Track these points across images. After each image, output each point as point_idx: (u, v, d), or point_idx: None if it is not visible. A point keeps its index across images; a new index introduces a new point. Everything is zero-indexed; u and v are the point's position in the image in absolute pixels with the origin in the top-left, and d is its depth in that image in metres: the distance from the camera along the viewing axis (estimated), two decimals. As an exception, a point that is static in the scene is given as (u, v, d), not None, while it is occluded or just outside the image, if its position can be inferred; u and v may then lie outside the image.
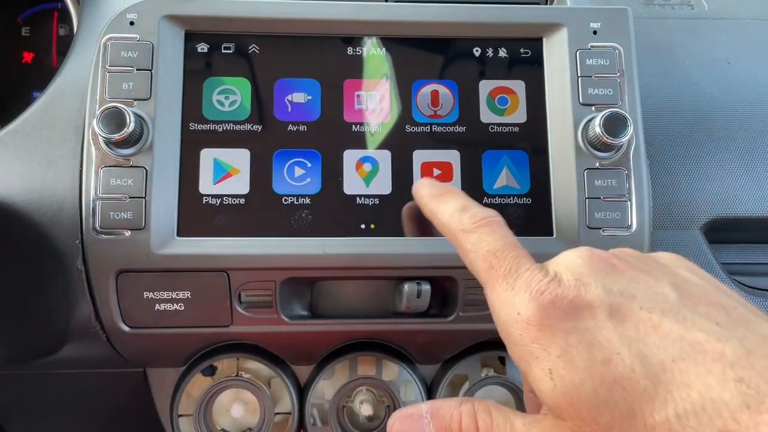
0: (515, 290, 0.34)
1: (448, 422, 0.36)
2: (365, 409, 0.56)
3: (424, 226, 0.49)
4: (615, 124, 0.47)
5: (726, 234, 0.60)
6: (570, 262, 0.35)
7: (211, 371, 0.57)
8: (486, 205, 0.50)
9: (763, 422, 0.27)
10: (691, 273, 0.36)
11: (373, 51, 0.52)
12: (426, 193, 0.43)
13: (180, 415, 0.56)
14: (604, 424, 0.30)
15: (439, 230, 0.41)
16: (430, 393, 0.57)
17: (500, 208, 0.50)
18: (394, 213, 0.49)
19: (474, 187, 0.50)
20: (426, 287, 0.49)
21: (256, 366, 0.56)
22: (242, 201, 0.49)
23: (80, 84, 0.49)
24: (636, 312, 0.32)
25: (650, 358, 0.30)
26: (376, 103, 0.51)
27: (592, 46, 0.51)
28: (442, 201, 0.42)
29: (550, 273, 0.34)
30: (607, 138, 0.47)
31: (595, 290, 0.33)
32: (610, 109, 0.48)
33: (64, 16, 0.69)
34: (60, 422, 0.63)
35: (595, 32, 0.52)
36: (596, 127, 0.48)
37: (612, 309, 0.32)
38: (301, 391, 0.57)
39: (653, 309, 0.32)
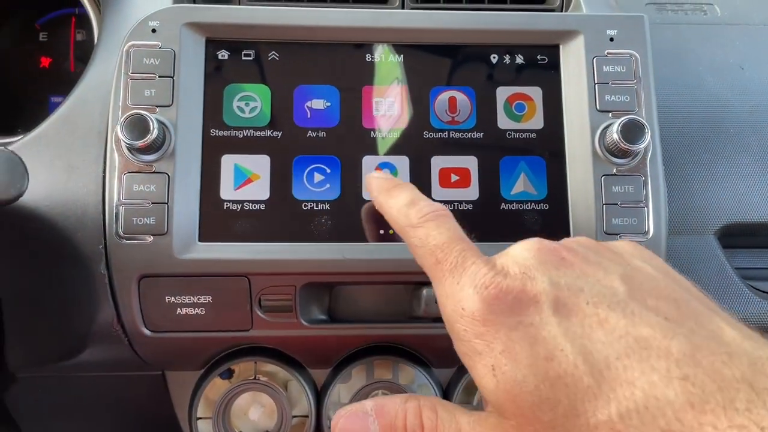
0: (461, 285, 0.33)
1: (392, 420, 0.35)
2: (381, 412, 0.57)
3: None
4: (633, 131, 0.48)
5: (740, 239, 0.60)
6: (517, 254, 0.34)
7: (228, 374, 0.57)
8: (503, 211, 0.50)
9: (707, 422, 0.26)
10: (645, 263, 0.35)
11: (390, 58, 0.52)
12: (375, 186, 0.43)
13: (198, 418, 0.56)
14: (546, 422, 0.29)
15: (391, 225, 0.41)
16: (446, 396, 0.57)
17: (518, 214, 0.51)
18: None
19: (491, 193, 0.51)
20: (444, 292, 0.50)
21: (273, 369, 0.57)
22: (263, 207, 0.49)
23: (102, 90, 0.50)
24: (582, 307, 0.31)
25: (594, 355, 0.29)
26: (394, 109, 0.52)
27: (608, 53, 0.52)
28: (390, 195, 0.41)
29: (497, 266, 0.33)
30: (624, 145, 0.48)
31: (541, 284, 0.32)
32: (628, 116, 0.48)
33: (82, 22, 0.69)
34: (79, 424, 0.64)
35: (611, 39, 0.52)
36: (614, 134, 0.48)
37: (558, 303, 0.31)
38: (318, 395, 0.57)
39: (600, 303, 0.31)
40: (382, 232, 0.49)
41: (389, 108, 0.52)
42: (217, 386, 0.57)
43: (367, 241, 0.49)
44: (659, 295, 0.32)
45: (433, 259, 0.36)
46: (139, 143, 0.46)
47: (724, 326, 0.31)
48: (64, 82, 0.67)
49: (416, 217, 0.38)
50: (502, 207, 0.51)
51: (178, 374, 0.57)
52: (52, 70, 0.70)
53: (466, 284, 0.33)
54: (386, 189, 0.42)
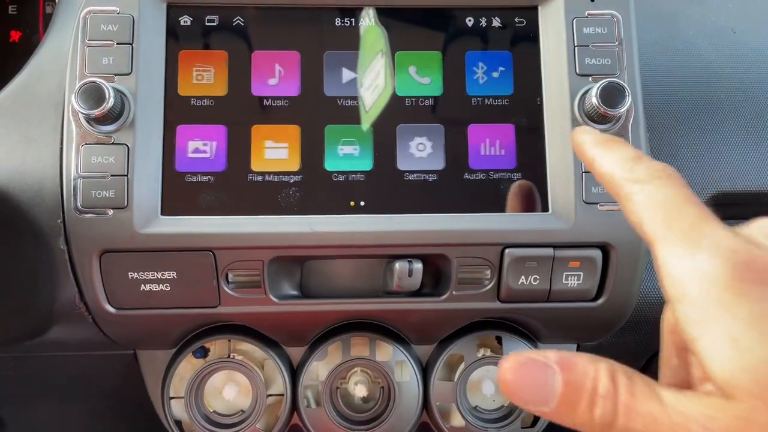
0: (701, 247, 0.30)
1: (581, 378, 0.31)
2: (360, 391, 0.55)
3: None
4: (612, 95, 0.46)
5: (731, 209, 0.58)
6: (765, 228, 0.31)
7: (203, 353, 0.56)
8: (475, 181, 0.48)
9: None
10: None
11: (360, 22, 0.50)
12: (588, 139, 0.38)
13: (171, 398, 0.55)
14: None
15: (599, 180, 0.37)
16: (425, 373, 0.56)
17: (492, 184, 0.49)
18: (381, 189, 0.48)
19: (459, 162, 0.49)
20: (418, 265, 0.48)
21: (248, 347, 0.55)
22: (219, 179, 0.47)
23: (60, 60, 0.48)
24: None
25: None
26: (360, 76, 0.49)
27: (589, 14, 0.49)
28: (608, 148, 0.37)
29: (745, 234, 0.30)
30: (604, 109, 0.46)
31: None
32: (608, 79, 0.46)
33: (51, -6, 0.67)
34: (51, 405, 0.63)
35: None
36: (593, 98, 0.46)
37: None
38: (294, 373, 0.56)
39: None
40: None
41: (354, 75, 0.49)
42: (190, 365, 0.55)
43: (336, 213, 0.47)
44: None
45: (662, 217, 0.32)
46: (95, 113, 0.44)
47: None
48: (32, 55, 0.65)
49: (645, 172, 0.34)
50: (468, 177, 0.48)
51: (150, 353, 0.56)
52: (22, 43, 0.68)
53: (708, 247, 0.30)
54: (602, 142, 0.38)
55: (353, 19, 0.50)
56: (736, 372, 0.27)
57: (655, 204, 0.33)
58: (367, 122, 0.49)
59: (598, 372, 0.30)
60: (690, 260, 0.30)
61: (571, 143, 0.42)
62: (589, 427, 0.30)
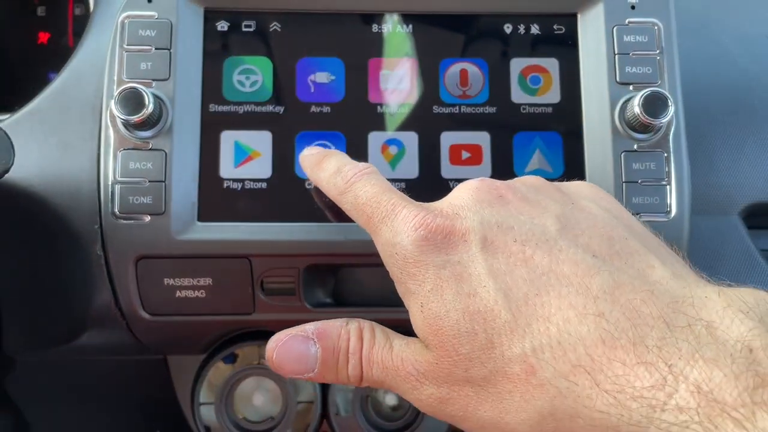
0: (394, 230, 0.34)
1: (335, 342, 0.35)
2: (390, 399, 0.55)
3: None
4: (655, 104, 0.45)
5: (766, 219, 0.57)
6: (455, 195, 0.35)
7: (232, 359, 0.55)
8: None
9: (616, 358, 0.27)
10: (594, 203, 0.35)
11: (398, 28, 0.50)
12: (306, 164, 0.42)
13: (201, 404, 0.55)
14: (463, 354, 0.31)
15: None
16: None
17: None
18: (421, 197, 0.47)
19: (505, 171, 0.48)
20: (454, 274, 0.47)
21: (278, 354, 0.55)
22: (264, 185, 0.47)
23: (97, 64, 0.48)
24: (509, 244, 0.32)
25: (515, 291, 0.30)
26: (402, 83, 0.49)
27: (630, 22, 0.49)
28: (320, 169, 0.40)
29: (430, 209, 0.34)
30: (646, 118, 0.45)
31: (471, 222, 0.33)
32: (650, 89, 0.45)
33: (80, -4, 0.67)
34: (81, 409, 0.63)
35: (633, 7, 0.49)
36: (635, 107, 0.45)
37: (485, 241, 0.32)
38: (324, 380, 0.56)
39: (528, 241, 0.32)
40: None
41: (397, 81, 0.49)
42: (220, 371, 0.55)
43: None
44: (593, 233, 0.32)
45: (364, 216, 0.36)
46: (134, 118, 0.43)
47: (656, 265, 0.31)
48: (63, 57, 0.64)
49: (342, 183, 0.38)
50: None
51: (180, 359, 0.56)
52: (51, 45, 0.68)
53: (399, 228, 0.34)
54: (316, 164, 0.41)
55: (389, 25, 0.49)
56: (425, 330, 0.32)
57: (357, 206, 0.37)
58: (392, 126, 0.48)
59: (348, 333, 0.35)
60: (389, 244, 0.34)
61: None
62: (347, 381, 0.35)
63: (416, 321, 0.33)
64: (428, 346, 0.32)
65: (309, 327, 0.36)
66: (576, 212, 0.34)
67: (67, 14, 0.68)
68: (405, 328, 0.52)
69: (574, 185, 0.38)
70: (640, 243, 0.33)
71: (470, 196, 0.34)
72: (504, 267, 0.31)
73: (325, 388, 0.55)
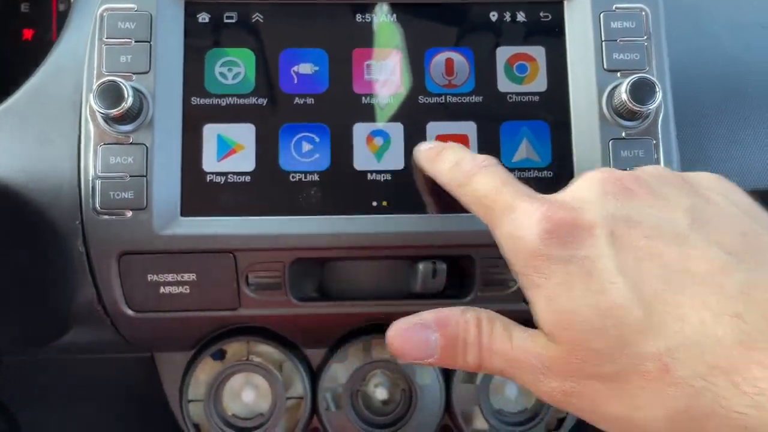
0: (515, 224, 0.34)
1: (455, 331, 0.36)
2: (380, 393, 0.55)
3: (443, 197, 0.47)
4: (642, 90, 0.44)
5: (760, 207, 0.57)
6: (578, 187, 0.35)
7: (220, 355, 0.55)
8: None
9: (755, 360, 0.26)
10: (720, 195, 0.34)
11: (383, 18, 0.49)
12: (423, 158, 0.43)
13: (190, 401, 0.54)
14: (594, 351, 0.30)
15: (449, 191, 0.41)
16: (447, 376, 0.55)
17: (526, 182, 0.47)
18: (408, 189, 0.47)
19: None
20: (442, 266, 0.47)
21: (266, 349, 0.55)
22: (248, 178, 0.46)
23: (77, 59, 0.47)
24: (638, 240, 0.31)
25: (646, 289, 0.30)
26: (387, 73, 0.48)
27: (617, 8, 0.48)
28: (438, 162, 0.41)
29: (552, 201, 0.34)
30: (634, 105, 0.44)
31: (598, 216, 0.32)
32: (637, 75, 0.45)
33: (64, -9, 0.66)
34: (68, 408, 0.62)
35: None
36: (622, 94, 0.45)
37: (614, 236, 0.31)
38: (314, 375, 0.55)
39: (658, 236, 0.31)
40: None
41: (381, 72, 0.48)
42: (208, 367, 0.55)
43: (359, 214, 0.46)
44: (726, 229, 0.32)
45: (484, 209, 0.36)
46: (114, 112, 0.43)
47: None
48: (48, 54, 0.64)
49: (462, 175, 0.38)
50: None
51: (167, 355, 0.56)
52: (35, 42, 0.67)
53: (521, 221, 0.33)
54: (433, 157, 0.41)
55: (373, 15, 0.49)
56: (553, 324, 0.32)
57: (476, 198, 0.37)
58: (379, 118, 0.48)
59: (467, 323, 0.35)
60: (511, 237, 0.34)
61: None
62: (466, 368, 0.36)
63: (542, 314, 0.33)
64: (555, 340, 0.32)
65: (428, 316, 0.37)
66: (706, 206, 0.33)
67: (51, 10, 0.67)
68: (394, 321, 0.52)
69: (700, 176, 0.36)
70: None
71: (595, 187, 0.34)
72: (633, 263, 0.30)
73: (314, 383, 0.54)
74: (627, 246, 0.31)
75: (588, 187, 0.34)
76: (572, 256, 0.31)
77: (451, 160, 0.40)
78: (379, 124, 0.48)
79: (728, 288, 0.28)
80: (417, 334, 0.36)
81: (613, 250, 0.31)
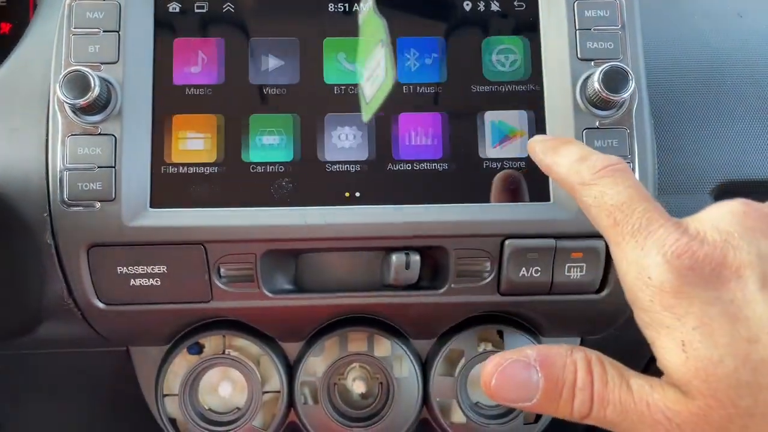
0: (645, 250, 0.30)
1: (560, 373, 0.32)
2: (358, 387, 0.54)
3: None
4: (615, 79, 0.44)
5: (739, 197, 0.56)
6: (718, 218, 0.31)
7: (197, 349, 0.54)
8: (480, 170, 0.47)
9: None
10: None
11: (355, 7, 0.48)
12: (539, 148, 0.40)
13: (165, 395, 0.54)
14: (743, 409, 0.27)
15: (560, 186, 0.38)
16: (425, 369, 0.55)
17: (494, 173, 0.47)
18: (379, 180, 0.47)
19: (467, 152, 0.47)
20: (415, 258, 0.47)
21: (243, 343, 0.54)
22: (215, 170, 0.46)
23: (45, 49, 0.47)
24: None
25: None
26: (359, 63, 0.48)
27: None
28: (557, 153, 0.38)
29: (691, 231, 0.30)
30: (606, 94, 0.44)
31: (747, 255, 0.29)
32: (610, 63, 0.44)
33: (40, -16, 0.66)
34: (45, 404, 0.62)
35: None
36: (595, 83, 0.44)
37: (765, 279, 0.28)
38: (291, 369, 0.55)
39: None
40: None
41: (353, 62, 0.48)
42: (184, 362, 0.54)
43: (330, 205, 0.46)
44: None
45: (611, 220, 0.33)
46: (81, 102, 0.42)
47: None
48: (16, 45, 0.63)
49: (589, 173, 0.35)
50: (479, 167, 0.47)
51: (142, 350, 0.55)
52: (12, 35, 0.66)
53: (652, 250, 0.30)
54: (552, 147, 0.39)
55: (347, 5, 0.48)
56: (688, 374, 0.28)
57: (601, 205, 0.33)
58: (368, 113, 0.47)
59: (575, 365, 0.32)
60: (637, 265, 0.30)
61: (529, 153, 0.42)
62: (569, 416, 0.32)
63: (673, 360, 0.29)
64: (689, 393, 0.29)
65: (530, 353, 0.33)
66: None
67: (27, 4, 0.67)
68: (371, 313, 0.52)
69: None
70: None
71: (738, 222, 0.30)
72: None
73: (291, 377, 0.54)
74: None
75: (729, 220, 0.31)
76: (715, 297, 0.28)
77: (575, 153, 0.37)
78: (350, 114, 0.47)
79: None
80: (518, 372, 0.32)
81: (766, 295, 0.28)
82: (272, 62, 0.47)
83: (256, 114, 0.47)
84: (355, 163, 0.47)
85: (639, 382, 0.31)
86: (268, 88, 0.47)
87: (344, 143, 0.47)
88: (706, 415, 0.28)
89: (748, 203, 0.32)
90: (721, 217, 0.31)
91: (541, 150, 0.40)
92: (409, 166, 0.47)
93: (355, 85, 0.48)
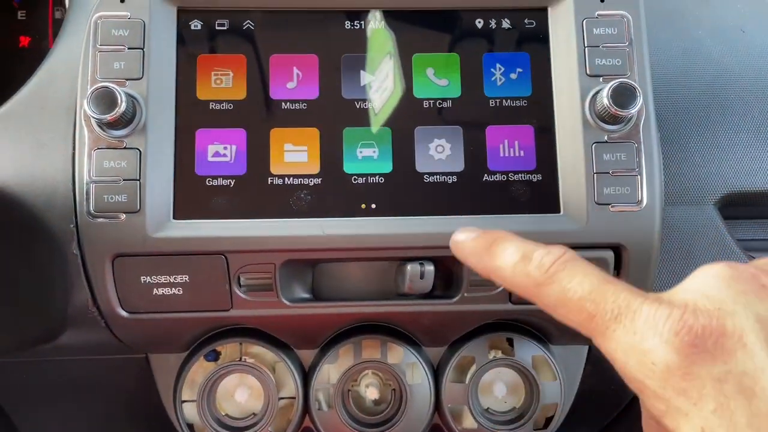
0: (638, 334, 0.28)
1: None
2: (371, 393, 0.55)
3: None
4: (624, 95, 0.45)
5: (741, 209, 0.58)
6: (705, 285, 0.29)
7: (214, 356, 0.56)
8: (489, 182, 0.48)
9: None
10: None
11: (372, 25, 0.50)
12: (470, 251, 0.38)
13: (183, 401, 0.55)
14: None
15: (508, 289, 0.36)
16: (437, 375, 0.56)
17: (505, 185, 0.49)
18: (395, 192, 0.48)
19: (478, 164, 0.49)
20: (429, 267, 0.48)
21: (259, 350, 0.55)
22: (239, 182, 0.47)
23: (72, 65, 0.48)
24: None
25: None
26: (376, 79, 0.49)
27: (599, 15, 0.49)
28: (494, 257, 0.36)
29: (679, 304, 0.28)
30: (615, 110, 0.45)
31: (746, 321, 0.27)
32: (619, 80, 0.46)
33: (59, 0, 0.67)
34: (64, 409, 0.63)
35: (602, 0, 0.49)
36: (604, 99, 0.46)
37: None
38: (306, 376, 0.56)
39: None
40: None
41: (371, 77, 0.49)
42: (202, 368, 0.55)
43: (348, 216, 0.47)
44: None
45: (584, 315, 0.31)
46: (107, 117, 0.44)
47: None
48: (43, 60, 0.65)
49: (540, 272, 0.33)
50: (487, 178, 0.48)
51: (162, 357, 0.56)
52: (32, 48, 0.68)
53: (646, 333, 0.28)
54: (484, 250, 0.37)
55: (364, 22, 0.50)
56: None
57: (568, 301, 0.31)
58: (376, 125, 0.49)
59: None
60: (636, 351, 0.28)
61: (454, 254, 0.40)
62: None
63: None
64: None
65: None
66: None
67: (47, 18, 0.68)
68: (385, 321, 0.53)
69: None
70: None
71: (726, 285, 0.29)
72: None
73: (306, 383, 0.55)
74: None
75: (719, 286, 0.29)
76: (726, 372, 0.26)
77: (514, 254, 0.35)
78: (369, 128, 0.49)
79: None
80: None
81: None
82: (293, 78, 0.49)
83: (278, 128, 0.48)
84: (378, 175, 0.48)
85: None
86: (287, 103, 0.49)
87: (365, 153, 0.48)
88: None
89: (733, 266, 0.30)
90: (708, 284, 0.30)
91: (472, 252, 0.38)
92: (430, 179, 0.48)
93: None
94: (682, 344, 0.27)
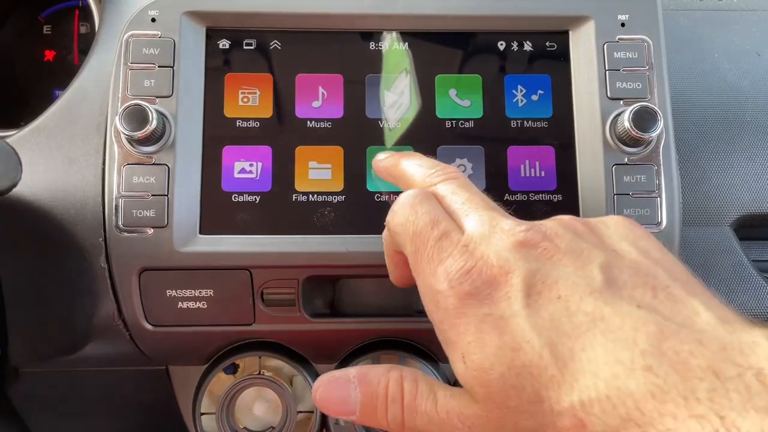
0: (436, 277, 0.34)
1: (375, 388, 0.36)
2: (388, 408, 0.56)
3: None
4: (645, 119, 0.46)
5: (757, 231, 0.59)
6: (498, 245, 0.34)
7: (233, 369, 0.56)
8: (510, 202, 0.49)
9: (667, 412, 0.27)
10: (632, 246, 0.35)
11: (395, 46, 0.51)
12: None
13: (203, 414, 0.55)
14: (512, 407, 0.31)
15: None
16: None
17: (526, 205, 0.49)
18: None
19: (499, 184, 0.49)
20: (450, 285, 0.48)
21: (278, 364, 0.56)
22: (265, 199, 0.48)
23: (102, 81, 0.49)
24: (553, 299, 0.31)
25: (560, 347, 0.30)
26: (398, 98, 0.50)
27: (620, 39, 0.50)
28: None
29: (476, 255, 0.34)
30: (636, 133, 0.46)
31: (516, 277, 0.32)
32: (640, 103, 0.47)
33: (85, 14, 0.69)
34: (83, 419, 0.63)
35: (623, 24, 0.50)
36: (625, 122, 0.47)
37: (530, 296, 0.32)
38: (324, 390, 0.56)
39: (572, 295, 0.31)
40: None
41: (394, 97, 0.50)
42: (221, 381, 0.56)
43: (371, 234, 0.48)
44: (636, 283, 0.32)
45: (412, 247, 0.36)
46: (138, 134, 0.45)
47: (701, 311, 0.30)
48: (69, 75, 0.66)
49: (394, 219, 0.39)
50: (508, 198, 0.49)
51: (182, 369, 0.57)
52: (57, 63, 0.69)
53: (441, 278, 0.34)
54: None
55: (387, 43, 0.51)
56: (470, 381, 0.32)
57: (405, 233, 0.37)
58: (399, 144, 0.50)
59: (388, 381, 0.36)
60: (431, 292, 0.34)
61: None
62: (387, 427, 0.35)
63: (458, 370, 0.33)
64: (475, 398, 0.32)
65: (352, 371, 0.37)
66: (618, 260, 0.33)
67: (72, 32, 0.69)
68: (403, 337, 0.54)
69: (611, 223, 0.37)
70: (682, 289, 0.32)
71: (512, 247, 0.34)
72: (548, 323, 0.31)
73: (324, 398, 0.56)
74: (542, 305, 0.31)
75: (507, 247, 0.34)
76: (487, 314, 0.32)
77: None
78: (392, 148, 0.50)
79: (639, 342, 0.29)
80: (338, 388, 0.37)
81: (528, 310, 0.31)
82: (317, 97, 0.50)
83: (302, 146, 0.49)
84: (396, 193, 0.49)
85: (443, 392, 0.35)
86: (312, 122, 0.49)
87: None
88: (487, 416, 0.32)
89: (525, 231, 0.34)
90: (500, 244, 0.34)
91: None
92: None
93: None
94: (461, 292, 0.33)
